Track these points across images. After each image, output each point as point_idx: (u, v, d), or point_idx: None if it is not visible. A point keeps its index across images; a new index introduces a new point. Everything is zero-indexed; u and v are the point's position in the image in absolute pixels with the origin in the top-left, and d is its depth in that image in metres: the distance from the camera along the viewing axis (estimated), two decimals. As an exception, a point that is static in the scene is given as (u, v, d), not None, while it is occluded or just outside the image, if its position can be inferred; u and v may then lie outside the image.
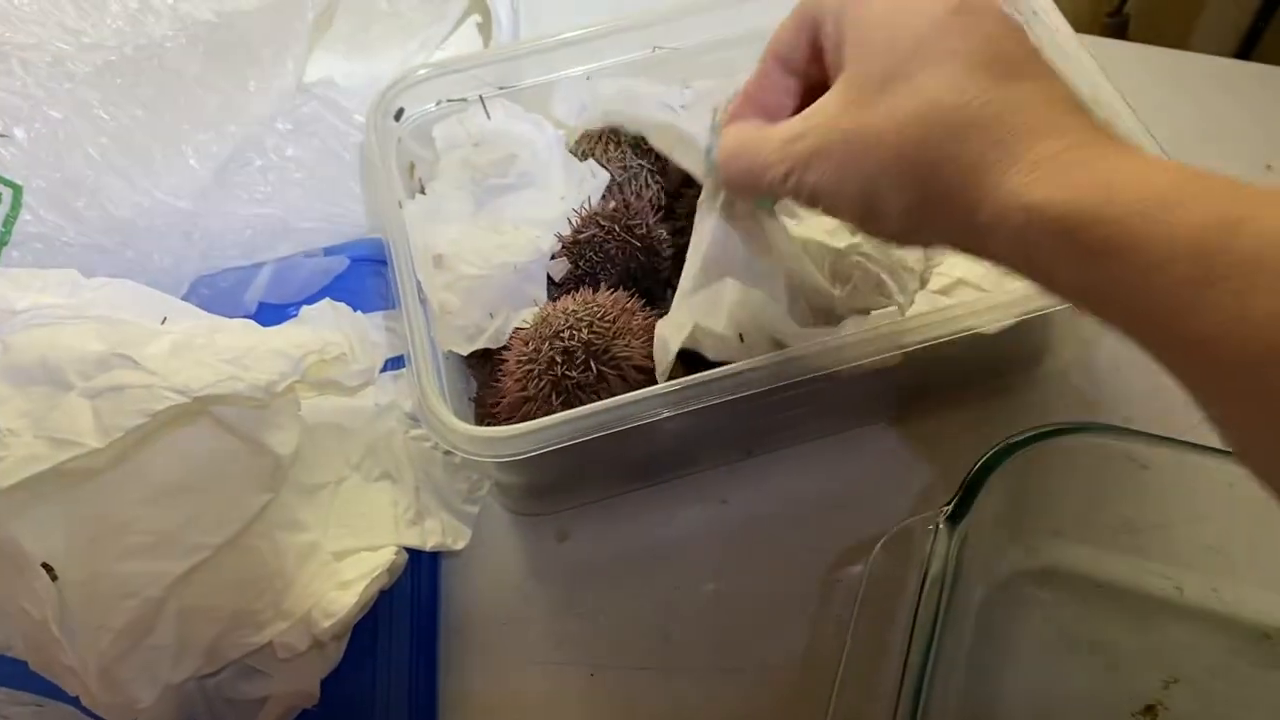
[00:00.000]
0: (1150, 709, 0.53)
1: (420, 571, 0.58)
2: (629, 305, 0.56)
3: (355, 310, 0.62)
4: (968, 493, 0.50)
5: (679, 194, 0.62)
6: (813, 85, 0.42)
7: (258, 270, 0.67)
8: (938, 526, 0.49)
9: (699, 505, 0.60)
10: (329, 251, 0.68)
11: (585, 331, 0.53)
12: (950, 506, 0.50)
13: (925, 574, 0.49)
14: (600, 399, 0.49)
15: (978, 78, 0.34)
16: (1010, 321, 0.51)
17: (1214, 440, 0.61)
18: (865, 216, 0.38)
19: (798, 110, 0.40)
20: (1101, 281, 0.31)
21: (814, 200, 0.39)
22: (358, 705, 0.54)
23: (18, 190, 0.62)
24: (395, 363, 0.62)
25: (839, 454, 0.61)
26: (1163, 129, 0.54)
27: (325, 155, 0.67)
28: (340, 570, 0.51)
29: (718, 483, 0.61)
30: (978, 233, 0.34)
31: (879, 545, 0.50)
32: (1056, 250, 0.32)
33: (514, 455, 0.48)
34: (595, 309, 0.54)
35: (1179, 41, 0.92)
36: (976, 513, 0.51)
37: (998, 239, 0.34)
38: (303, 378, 0.51)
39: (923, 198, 0.35)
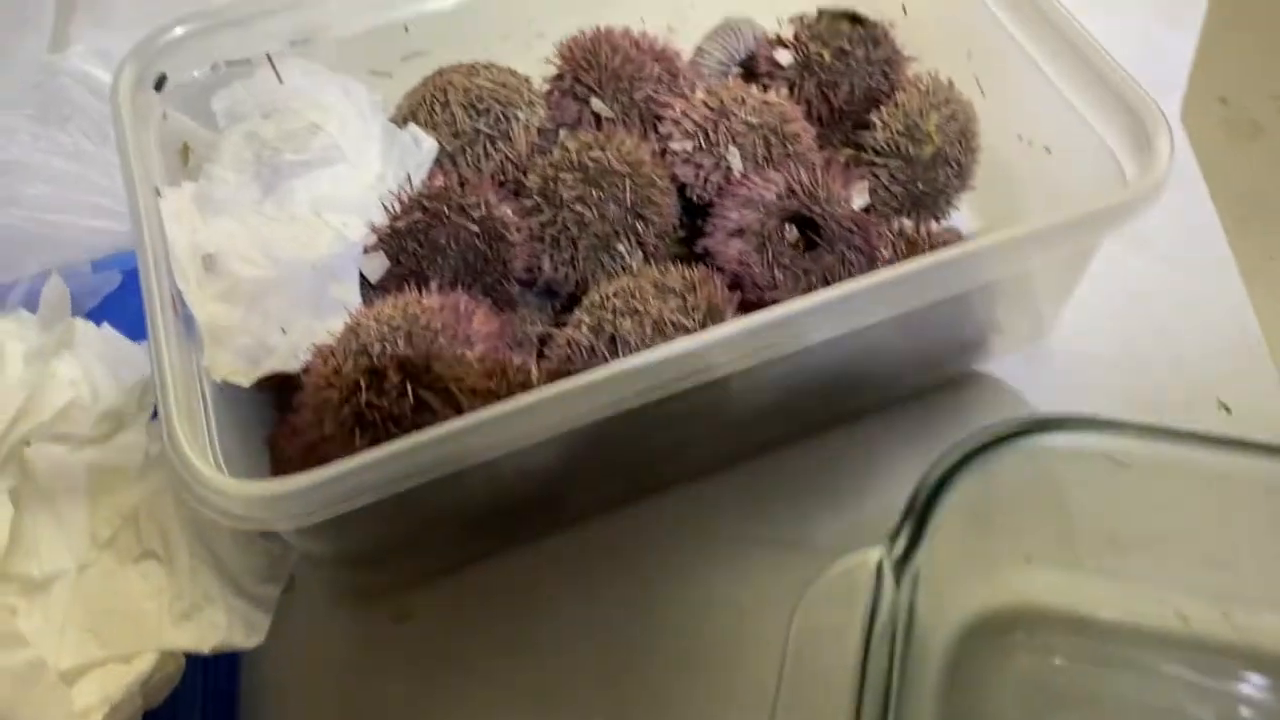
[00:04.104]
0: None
1: (216, 675, 0.43)
2: (466, 308, 0.43)
3: (131, 336, 0.48)
4: (918, 520, 0.38)
5: (528, 163, 0.49)
6: None
7: (5, 293, 0.53)
8: (880, 565, 0.37)
9: (577, 562, 0.47)
10: (97, 267, 0.54)
11: (401, 344, 0.40)
12: (899, 539, 0.37)
13: (870, 625, 0.37)
14: (419, 433, 0.36)
15: None
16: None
17: (1203, 428, 0.51)
18: None
19: None
20: None
21: None
22: None
23: None
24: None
25: (749, 481, 0.49)
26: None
27: (81, 144, 0.53)
28: (72, 696, 0.37)
29: (603, 533, 0.48)
30: None
31: (805, 594, 0.38)
32: None
33: (295, 520, 0.35)
34: (417, 315, 0.41)
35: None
36: (928, 542, 0.39)
37: None
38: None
39: None
